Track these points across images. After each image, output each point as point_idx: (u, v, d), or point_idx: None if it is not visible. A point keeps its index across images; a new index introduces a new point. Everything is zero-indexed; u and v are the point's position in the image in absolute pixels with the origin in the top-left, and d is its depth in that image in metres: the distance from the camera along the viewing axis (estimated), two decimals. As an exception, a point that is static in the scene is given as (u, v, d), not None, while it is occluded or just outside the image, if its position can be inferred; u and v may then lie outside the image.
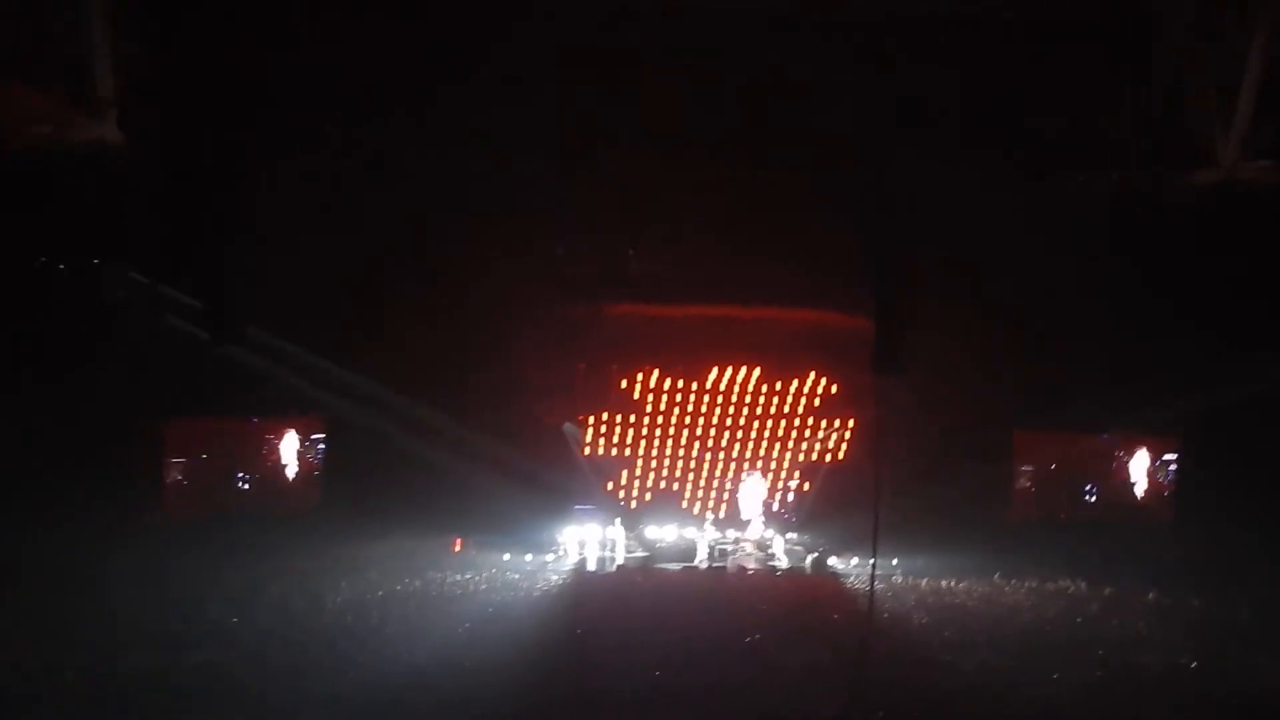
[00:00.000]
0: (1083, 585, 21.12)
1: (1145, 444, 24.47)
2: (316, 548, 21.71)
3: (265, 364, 22.50)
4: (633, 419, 25.72)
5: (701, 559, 24.04)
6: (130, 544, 19.53)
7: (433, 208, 21.01)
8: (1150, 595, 20.24)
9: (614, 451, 25.72)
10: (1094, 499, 24.74)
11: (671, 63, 19.28)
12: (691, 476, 25.81)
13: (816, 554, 23.95)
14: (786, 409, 25.68)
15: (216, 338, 20.62)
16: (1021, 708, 15.15)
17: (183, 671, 14.63)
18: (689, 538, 24.70)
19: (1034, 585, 21.33)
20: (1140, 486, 24.49)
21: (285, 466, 24.19)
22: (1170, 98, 18.01)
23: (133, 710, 13.36)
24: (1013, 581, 21.53)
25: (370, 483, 23.23)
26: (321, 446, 24.29)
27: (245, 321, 20.83)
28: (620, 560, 23.83)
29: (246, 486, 23.92)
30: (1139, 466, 24.51)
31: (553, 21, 18.44)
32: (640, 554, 24.15)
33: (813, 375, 25.54)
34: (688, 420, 25.76)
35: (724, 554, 24.22)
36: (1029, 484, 24.75)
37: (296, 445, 24.23)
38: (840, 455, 25.65)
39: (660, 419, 25.74)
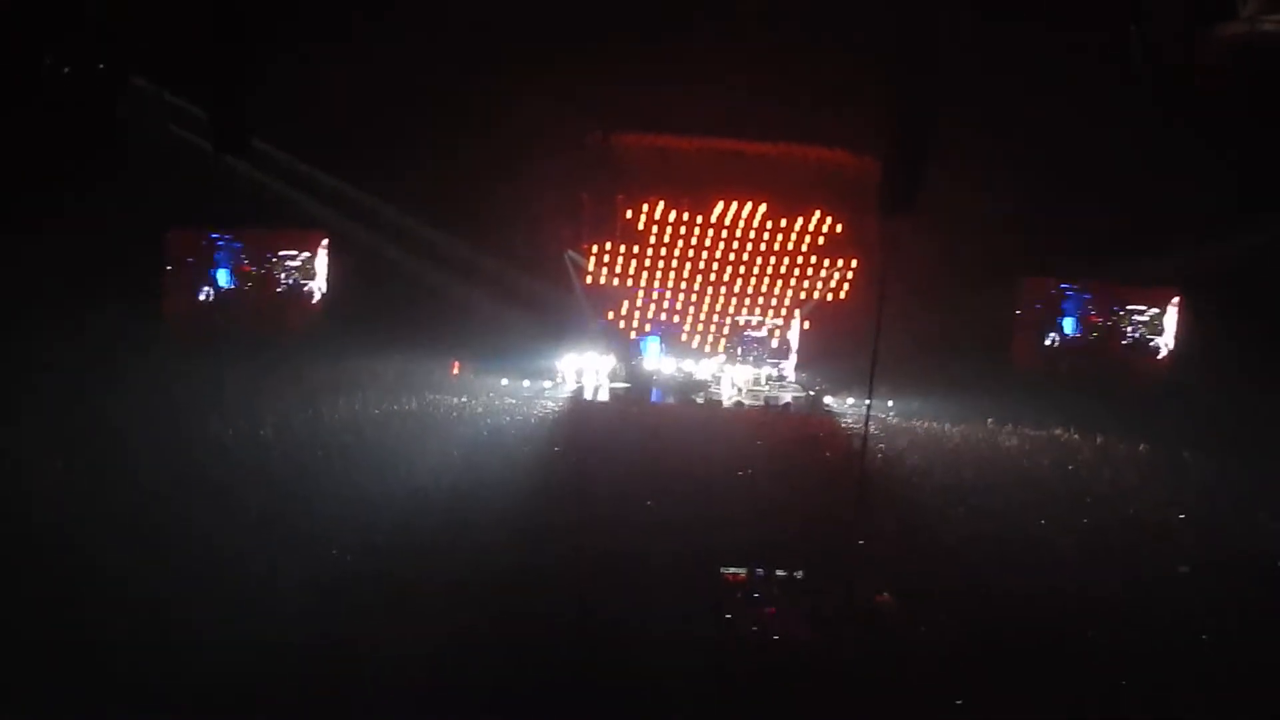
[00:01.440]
0: (1076, 435, 21.28)
1: (1151, 297, 24.41)
2: (315, 365, 21.69)
3: (269, 178, 22.29)
4: (636, 249, 25.65)
5: (730, 395, 24.19)
6: (129, 359, 19.47)
7: (445, 30, 20.54)
8: (1143, 446, 20.40)
9: (615, 281, 25.69)
10: (1095, 349, 24.75)
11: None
12: (693, 310, 25.84)
13: (812, 392, 24.12)
14: (790, 246, 25.60)
15: (220, 148, 20.31)
16: (1010, 553, 15.38)
17: (183, 487, 14.71)
18: (686, 370, 24.88)
19: (1029, 432, 21.47)
20: (1143, 338, 24.50)
21: (286, 282, 24.10)
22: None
23: (134, 527, 13.46)
24: (1007, 428, 21.67)
25: (371, 302, 23.14)
26: (325, 263, 24.15)
27: (249, 133, 20.50)
28: (614, 388, 24.02)
29: (246, 301, 23.88)
30: (1143, 318, 24.49)
31: None
32: (624, 385, 24.33)
33: (818, 213, 25.39)
34: (690, 253, 25.69)
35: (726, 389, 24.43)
36: (1032, 331, 24.76)
37: (299, 261, 24.11)
38: (841, 295, 25.63)
39: (664, 251, 25.68)
